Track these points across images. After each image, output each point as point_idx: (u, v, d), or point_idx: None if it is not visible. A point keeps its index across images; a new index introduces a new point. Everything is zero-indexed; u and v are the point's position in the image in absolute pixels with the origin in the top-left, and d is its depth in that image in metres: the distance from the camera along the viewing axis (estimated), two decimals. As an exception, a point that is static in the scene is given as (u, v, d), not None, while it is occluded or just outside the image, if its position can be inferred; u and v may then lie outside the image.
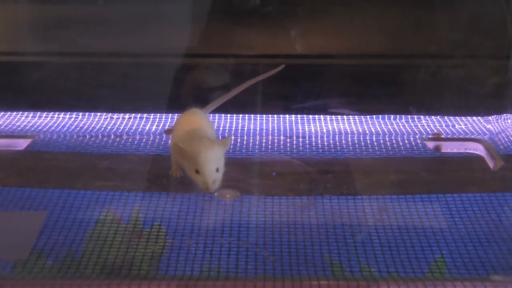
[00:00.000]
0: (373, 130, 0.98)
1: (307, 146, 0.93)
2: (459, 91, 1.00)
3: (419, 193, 0.80)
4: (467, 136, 0.97)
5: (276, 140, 0.94)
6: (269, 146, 0.92)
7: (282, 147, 0.92)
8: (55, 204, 0.76)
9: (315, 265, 0.65)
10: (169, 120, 1.00)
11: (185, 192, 0.79)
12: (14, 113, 1.01)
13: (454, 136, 0.97)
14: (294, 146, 0.93)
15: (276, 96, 0.99)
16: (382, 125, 1.00)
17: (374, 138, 0.96)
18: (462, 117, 1.02)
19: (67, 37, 0.98)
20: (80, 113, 1.00)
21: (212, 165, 0.69)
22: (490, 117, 1.02)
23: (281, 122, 1.00)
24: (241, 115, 1.00)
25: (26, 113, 1.01)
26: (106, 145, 0.92)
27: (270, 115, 1.01)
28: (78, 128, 0.97)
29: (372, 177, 0.86)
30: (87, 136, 0.95)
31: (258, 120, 1.00)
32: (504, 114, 1.01)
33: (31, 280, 0.62)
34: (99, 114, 1.00)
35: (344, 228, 0.72)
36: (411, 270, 0.65)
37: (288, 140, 0.95)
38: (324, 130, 0.98)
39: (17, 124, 0.99)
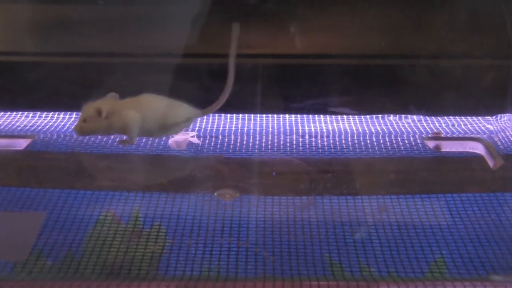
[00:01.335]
0: (373, 130, 0.98)
1: (307, 146, 0.93)
2: (459, 91, 1.00)
3: (419, 192, 0.80)
4: (467, 135, 0.97)
5: (276, 140, 0.94)
6: (269, 146, 0.92)
7: (282, 147, 0.92)
8: (55, 204, 0.76)
9: (315, 265, 0.65)
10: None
11: (185, 192, 0.79)
12: (14, 113, 1.01)
13: (454, 135, 0.97)
14: (294, 146, 0.93)
15: (276, 96, 0.99)
16: (382, 124, 1.00)
17: (374, 138, 0.96)
18: (462, 117, 1.02)
19: (67, 37, 0.98)
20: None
21: (82, 115, 0.85)
22: (490, 117, 1.02)
23: (281, 122, 1.00)
24: (241, 115, 1.00)
25: (25, 113, 1.01)
26: (106, 145, 0.92)
27: (270, 115, 1.01)
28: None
29: (372, 177, 0.86)
30: (87, 136, 0.95)
31: (258, 120, 1.00)
32: (504, 114, 1.01)
33: (31, 281, 0.62)
34: None
35: (344, 228, 0.72)
36: (411, 270, 0.65)
37: (288, 140, 0.95)
38: (324, 130, 0.98)
39: (17, 124, 0.99)
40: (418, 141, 0.95)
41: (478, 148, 0.93)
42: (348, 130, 0.98)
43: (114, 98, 0.88)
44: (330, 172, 0.86)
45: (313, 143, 0.93)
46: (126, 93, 0.98)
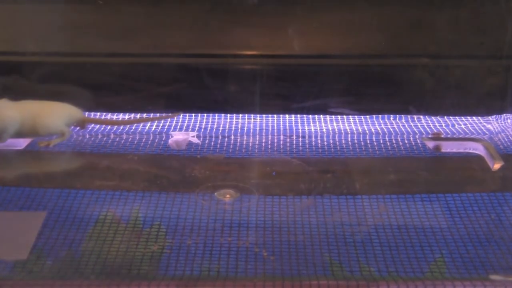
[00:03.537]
0: (372, 130, 0.98)
1: (307, 146, 0.93)
2: (458, 91, 1.00)
3: (418, 192, 0.80)
4: (467, 136, 0.97)
5: (276, 140, 0.94)
6: (269, 146, 0.92)
7: (282, 147, 0.92)
8: (55, 204, 0.76)
9: (315, 265, 0.65)
10: (169, 120, 1.00)
11: (184, 192, 0.79)
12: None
13: (454, 136, 0.97)
14: (294, 146, 0.93)
15: (276, 96, 0.99)
16: (382, 124, 1.00)
17: (373, 138, 0.96)
18: (462, 117, 1.02)
19: (67, 37, 0.98)
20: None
21: None
22: (490, 117, 1.02)
23: (281, 122, 1.00)
24: (241, 115, 1.00)
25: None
26: (106, 145, 0.92)
27: (270, 115, 1.01)
28: (78, 128, 0.97)
29: (371, 177, 0.86)
30: (87, 136, 0.95)
31: (258, 120, 1.00)
32: (504, 114, 1.01)
33: (31, 281, 0.62)
34: (99, 114, 1.00)
35: (344, 228, 0.72)
36: (411, 270, 0.65)
37: (288, 140, 0.95)
38: (324, 130, 0.98)
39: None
40: (418, 141, 0.95)
41: (478, 149, 0.93)
42: (348, 130, 0.98)
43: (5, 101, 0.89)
44: (330, 172, 0.86)
45: (313, 143, 0.94)
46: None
